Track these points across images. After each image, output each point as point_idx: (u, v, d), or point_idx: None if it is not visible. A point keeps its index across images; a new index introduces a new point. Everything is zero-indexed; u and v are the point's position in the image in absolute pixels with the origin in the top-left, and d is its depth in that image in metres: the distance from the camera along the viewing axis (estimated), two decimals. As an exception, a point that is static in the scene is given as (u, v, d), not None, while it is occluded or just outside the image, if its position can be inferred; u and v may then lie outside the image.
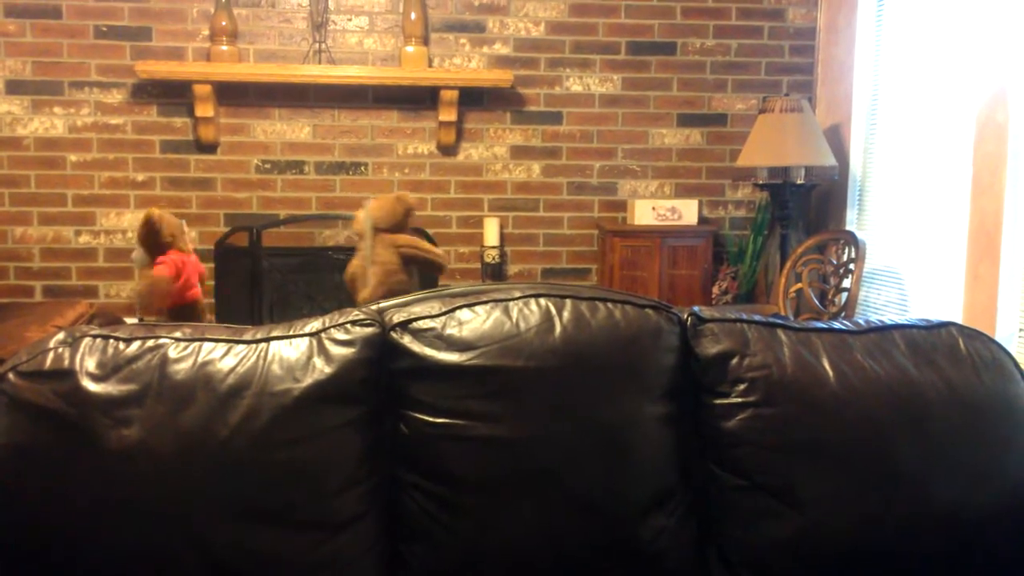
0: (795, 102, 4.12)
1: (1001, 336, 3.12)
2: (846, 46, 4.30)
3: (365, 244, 3.19)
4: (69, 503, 1.42)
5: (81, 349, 1.51)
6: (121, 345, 1.52)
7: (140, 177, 4.31)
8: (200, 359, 1.52)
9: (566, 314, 1.65)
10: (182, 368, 1.50)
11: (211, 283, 4.33)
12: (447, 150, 4.48)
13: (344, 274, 3.30)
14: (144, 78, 4.20)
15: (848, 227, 4.26)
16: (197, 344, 1.54)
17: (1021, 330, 3.15)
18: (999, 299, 3.17)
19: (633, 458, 1.60)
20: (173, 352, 1.52)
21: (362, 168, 4.44)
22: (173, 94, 4.27)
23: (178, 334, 1.56)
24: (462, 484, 1.55)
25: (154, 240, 3.28)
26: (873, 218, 4.13)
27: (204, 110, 4.22)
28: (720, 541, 1.63)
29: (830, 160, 4.10)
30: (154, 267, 3.26)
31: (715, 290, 4.40)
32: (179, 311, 3.31)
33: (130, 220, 4.27)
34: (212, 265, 4.32)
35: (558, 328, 1.63)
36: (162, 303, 3.26)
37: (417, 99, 4.40)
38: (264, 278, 4.20)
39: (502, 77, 4.35)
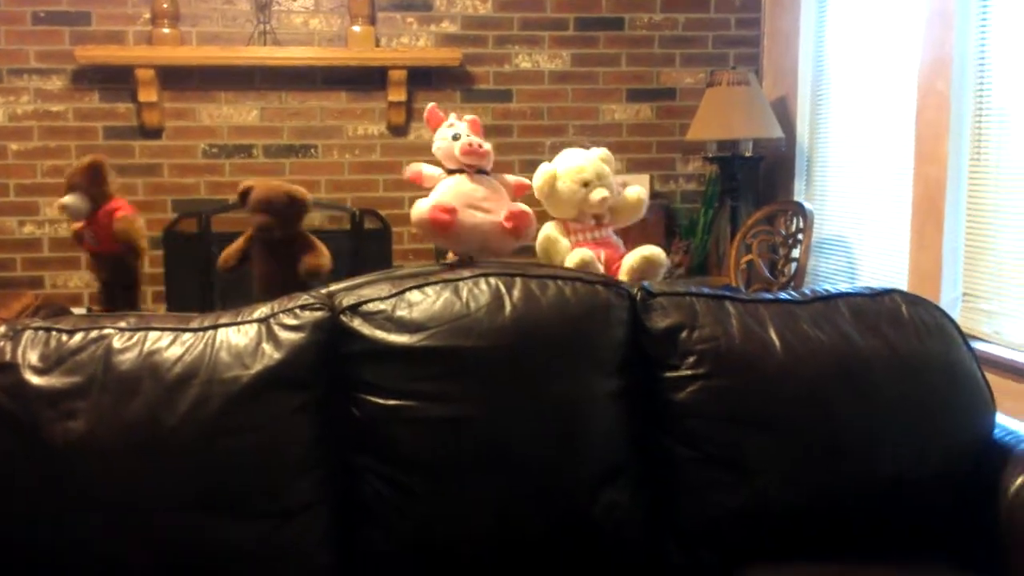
0: (742, 75, 4.15)
1: (945, 301, 3.19)
2: (791, 18, 4.33)
3: None
4: (15, 498, 1.40)
5: (23, 342, 1.48)
6: (64, 337, 1.50)
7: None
8: (146, 348, 1.50)
9: (516, 292, 1.66)
10: (127, 358, 1.48)
11: (160, 271, 4.28)
12: (397, 131, 4.44)
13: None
14: (84, 64, 4.10)
15: (796, 198, 4.31)
16: (142, 334, 1.52)
17: (964, 295, 3.22)
18: (943, 265, 3.23)
19: (585, 433, 1.62)
20: (117, 342, 1.50)
21: (312, 151, 4.39)
22: (115, 79, 4.18)
23: (123, 324, 1.54)
24: (415, 466, 1.55)
25: (99, 187, 3.17)
26: (821, 188, 4.19)
27: (147, 95, 4.14)
28: (673, 513, 1.65)
29: (777, 132, 4.14)
30: (107, 212, 3.16)
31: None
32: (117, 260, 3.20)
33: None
34: (161, 252, 4.26)
35: (508, 307, 1.63)
36: (144, 241, 3.16)
37: (365, 80, 4.36)
38: (214, 264, 4.14)
39: (450, 56, 4.32)
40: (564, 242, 2.34)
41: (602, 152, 2.45)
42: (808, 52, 4.26)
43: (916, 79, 3.38)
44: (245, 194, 2.85)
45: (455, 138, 2.29)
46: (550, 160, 2.57)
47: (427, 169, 2.38)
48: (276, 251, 2.85)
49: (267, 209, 2.81)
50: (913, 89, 3.41)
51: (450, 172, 2.26)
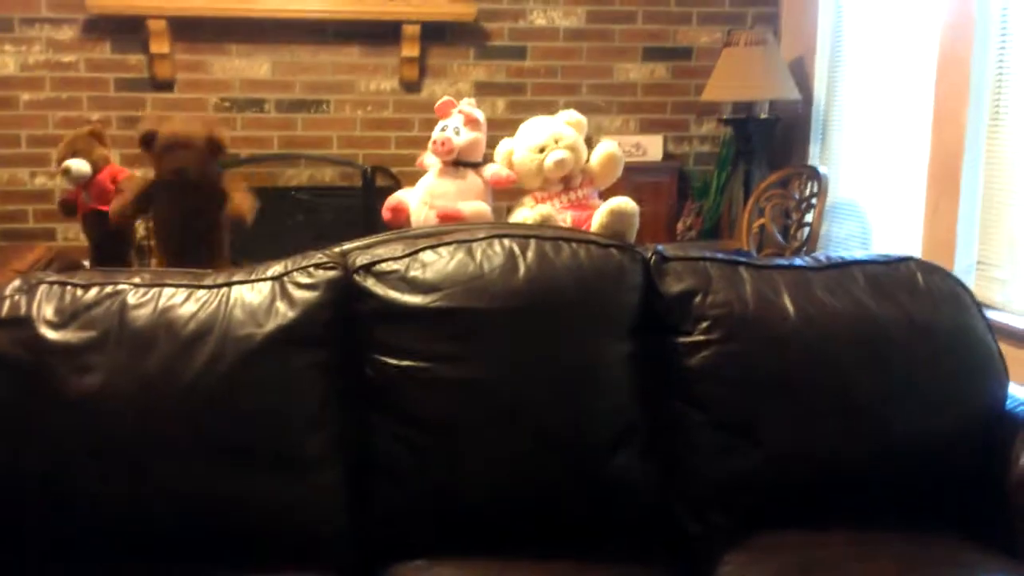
0: (759, 35, 4.09)
1: (959, 269, 3.17)
2: (811, -22, 4.26)
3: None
4: (31, 451, 1.42)
5: (38, 296, 1.49)
6: (79, 291, 1.50)
7: (95, 116, 4.19)
8: (160, 305, 1.51)
9: (530, 254, 1.65)
10: (142, 314, 1.49)
11: (172, 224, 4.27)
12: (410, 87, 4.40)
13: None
14: (96, 13, 4.06)
15: (811, 161, 4.27)
16: (157, 290, 1.53)
17: (979, 263, 3.20)
18: (958, 232, 3.21)
19: (597, 396, 1.62)
20: (132, 298, 1.50)
21: (324, 106, 4.36)
22: (126, 30, 4.15)
23: (137, 279, 1.54)
24: (428, 425, 1.56)
25: (101, 152, 3.22)
26: (836, 152, 4.15)
27: (159, 46, 4.11)
28: (685, 476, 1.66)
29: (794, 94, 4.10)
30: (107, 176, 3.20)
31: (679, 226, 4.41)
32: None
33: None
34: (173, 206, 4.25)
35: (522, 268, 1.63)
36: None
37: (379, 34, 4.31)
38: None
39: (465, 11, 4.27)
40: (522, 211, 2.39)
41: (567, 115, 2.46)
42: (827, 12, 4.20)
43: (936, 43, 3.33)
44: (150, 138, 2.75)
45: (443, 131, 2.43)
46: None
47: (428, 160, 2.50)
48: (185, 197, 2.75)
49: (184, 149, 2.69)
50: (933, 53, 3.36)
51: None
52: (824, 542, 1.56)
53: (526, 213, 2.36)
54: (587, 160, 2.46)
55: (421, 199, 2.48)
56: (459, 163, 2.48)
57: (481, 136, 2.51)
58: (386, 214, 2.54)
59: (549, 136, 2.41)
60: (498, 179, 2.47)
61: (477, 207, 2.42)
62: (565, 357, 1.61)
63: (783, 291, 1.72)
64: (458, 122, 2.48)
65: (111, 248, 3.27)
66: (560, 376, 1.60)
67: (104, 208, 3.23)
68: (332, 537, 1.53)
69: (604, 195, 2.46)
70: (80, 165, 3.19)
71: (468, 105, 2.52)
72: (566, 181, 2.43)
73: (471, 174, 2.48)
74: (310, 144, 4.34)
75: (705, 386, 1.66)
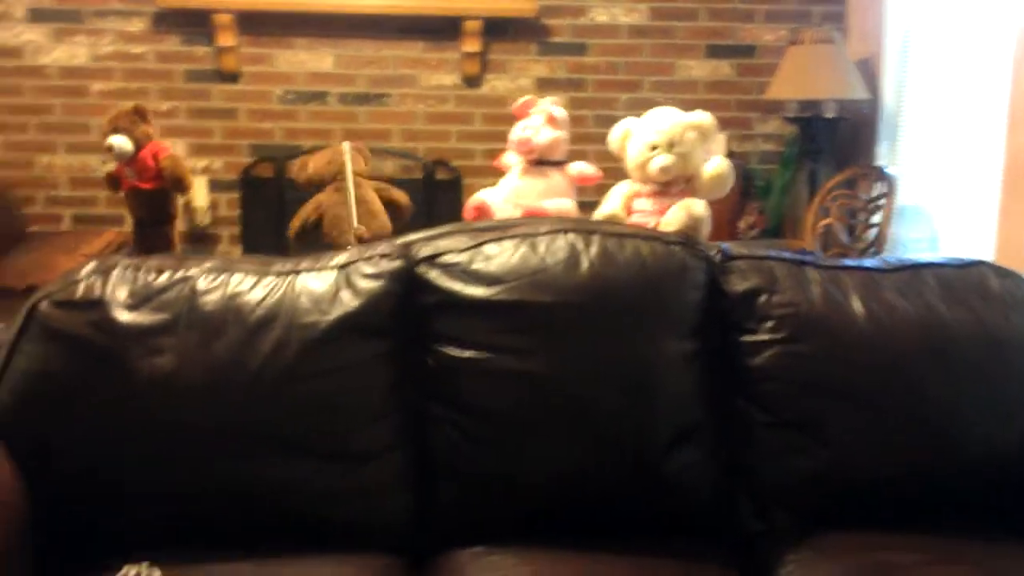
0: (826, 33, 4.02)
1: (1031, 274, 3.08)
2: (881, -25, 4.17)
3: (348, 182, 3.10)
4: (103, 430, 1.45)
5: (112, 279, 1.52)
6: (151, 275, 1.53)
7: (164, 106, 4.28)
8: (229, 290, 1.53)
9: (593, 250, 1.65)
10: (212, 299, 1.51)
11: (237, 213, 4.35)
12: (471, 82, 4.41)
13: (311, 208, 3.21)
14: (165, 6, 4.15)
15: (879, 162, 4.19)
16: (226, 276, 1.55)
17: (1052, 269, 3.11)
18: (1031, 237, 3.12)
19: (659, 393, 1.61)
20: (202, 283, 1.53)
21: (385, 99, 4.40)
22: (195, 23, 4.22)
23: (207, 265, 1.57)
24: (488, 417, 1.56)
25: (144, 130, 3.36)
26: (905, 153, 4.06)
27: (226, 39, 4.17)
28: (747, 476, 1.64)
29: (861, 93, 4.02)
30: (149, 154, 3.36)
31: (741, 225, 4.36)
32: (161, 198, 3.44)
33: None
34: (238, 195, 4.33)
35: (585, 264, 1.62)
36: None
37: (441, 29, 4.33)
38: (288, 209, 4.19)
39: (527, 7, 4.26)
40: (610, 202, 2.35)
41: (698, 115, 2.38)
42: (896, 10, 4.11)
43: (1012, 42, 3.24)
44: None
45: (523, 131, 2.44)
46: (624, 117, 2.55)
47: (508, 159, 2.50)
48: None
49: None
50: (1009, 51, 3.27)
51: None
52: (893, 545, 1.53)
53: (602, 208, 2.32)
54: (697, 170, 2.40)
55: (505, 199, 2.46)
56: (541, 162, 2.46)
57: (562, 134, 2.49)
58: (469, 214, 2.52)
59: (667, 139, 2.35)
60: (583, 177, 2.46)
61: (561, 205, 2.39)
62: (627, 353, 1.60)
63: (851, 292, 1.69)
64: (538, 121, 2.46)
65: (152, 224, 3.38)
66: (621, 372, 1.59)
67: (145, 186, 3.34)
68: (392, 524, 1.54)
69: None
70: (122, 142, 3.29)
71: (549, 104, 2.51)
72: (667, 184, 2.38)
73: (555, 172, 2.47)
74: (371, 137, 4.37)
75: (769, 385, 1.63)
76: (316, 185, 3.22)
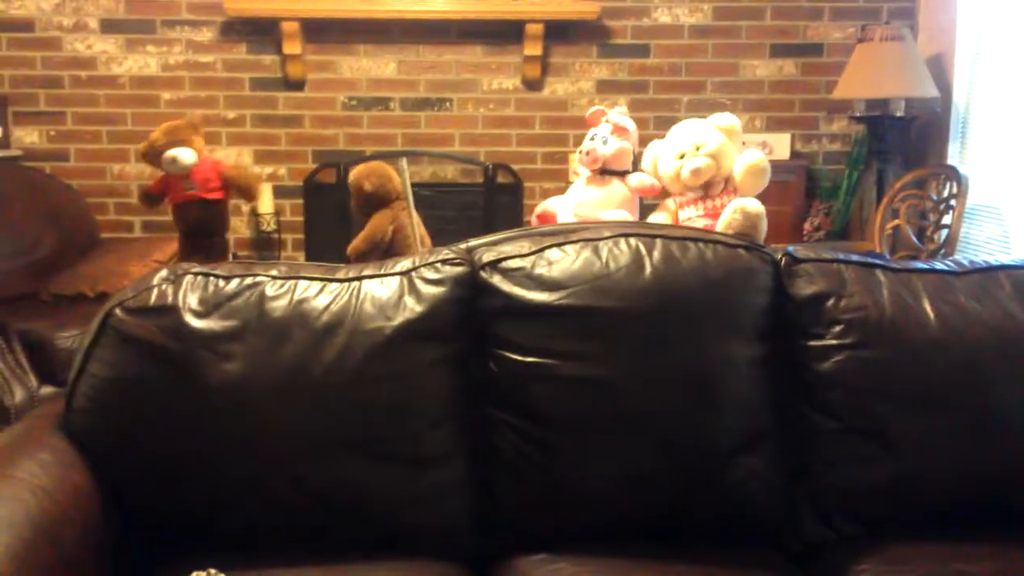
0: (895, 30, 3.94)
1: (1112, 276, 2.98)
2: (952, -30, 4.07)
3: (410, 207, 3.09)
4: (174, 435, 1.48)
5: (183, 286, 1.55)
6: (221, 282, 1.56)
7: (231, 115, 4.37)
8: (296, 297, 1.55)
9: (656, 254, 1.63)
10: (279, 305, 1.54)
11: (300, 219, 4.41)
12: (532, 85, 4.42)
13: (372, 233, 3.13)
14: (233, 16, 4.23)
15: (949, 161, 4.08)
16: (293, 282, 1.57)
17: None
18: (1111, 238, 3.02)
19: (723, 400, 1.59)
20: (270, 290, 1.56)
21: (447, 104, 4.42)
22: (261, 31, 4.30)
23: (274, 272, 1.60)
24: (551, 423, 1.56)
25: (201, 143, 3.45)
26: (976, 153, 3.95)
27: (292, 47, 4.24)
28: (812, 484, 1.61)
29: (932, 91, 3.92)
30: (212, 164, 3.45)
31: (807, 226, 4.29)
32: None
33: (222, 157, 4.34)
34: (301, 201, 4.39)
35: (648, 268, 1.61)
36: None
37: (502, 33, 4.34)
38: (351, 214, 4.24)
39: (588, 9, 4.25)
40: (656, 219, 2.38)
41: (719, 118, 2.40)
42: (968, 7, 4.01)
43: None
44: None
45: (591, 140, 2.49)
46: (684, 118, 2.57)
47: (580, 168, 2.54)
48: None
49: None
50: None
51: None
52: (964, 555, 1.49)
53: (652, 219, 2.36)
54: (731, 168, 2.40)
55: (569, 208, 2.50)
56: (606, 171, 2.48)
57: (628, 145, 2.50)
58: (534, 222, 2.58)
59: (692, 142, 2.37)
60: (643, 187, 2.47)
61: (616, 216, 2.41)
62: (691, 358, 1.59)
63: (923, 296, 1.65)
64: (606, 131, 2.48)
65: (207, 234, 3.44)
66: (686, 378, 1.58)
67: (206, 196, 3.41)
68: (456, 529, 1.55)
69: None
70: (186, 155, 3.37)
71: (617, 114, 2.53)
72: (706, 188, 2.39)
73: (616, 182, 2.48)
74: (433, 141, 4.41)
75: (837, 392, 1.60)
76: (373, 205, 3.16)
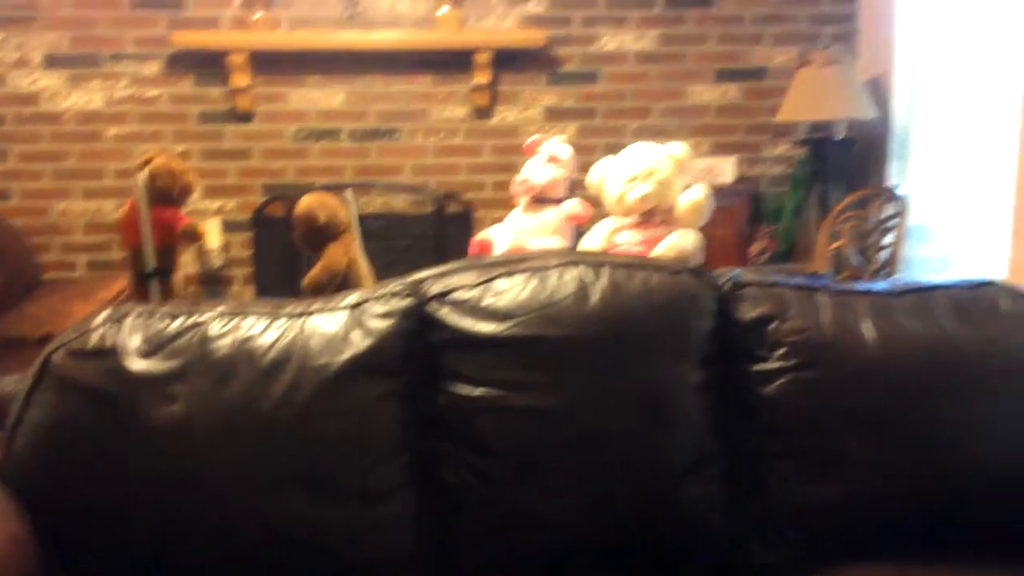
0: (835, 54, 4.04)
1: (1048, 291, 3.06)
2: (887, -5, 4.19)
3: (357, 236, 3.09)
4: (118, 479, 1.46)
5: (125, 327, 1.54)
6: (164, 322, 1.55)
7: (179, 148, 4.34)
8: (240, 334, 1.54)
9: (602, 282, 1.65)
10: (223, 344, 1.52)
11: (249, 253, 4.38)
12: (481, 113, 4.45)
13: (330, 265, 3.08)
14: (179, 49, 4.21)
15: (890, 182, 4.18)
16: (238, 319, 1.56)
17: (1069, 284, 3.09)
18: (1046, 253, 3.10)
19: (672, 424, 1.60)
20: (214, 328, 1.54)
21: (396, 134, 4.44)
22: (209, 64, 4.29)
23: (218, 310, 1.58)
24: (501, 454, 1.56)
25: (177, 195, 3.48)
26: (915, 173, 4.05)
27: (240, 79, 4.23)
28: (761, 506, 1.63)
29: (871, 114, 4.02)
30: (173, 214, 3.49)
31: (753, 249, 4.36)
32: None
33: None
34: (251, 235, 4.36)
35: (595, 296, 1.63)
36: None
37: (451, 62, 4.37)
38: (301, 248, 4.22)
39: (535, 38, 4.30)
40: (591, 238, 2.44)
41: (673, 147, 2.45)
42: (906, 30, 4.12)
43: (1023, 60, 3.24)
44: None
45: (528, 169, 2.57)
46: (632, 143, 2.63)
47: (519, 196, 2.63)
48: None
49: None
50: (1019, 71, 3.27)
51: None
52: (915, 572, 1.51)
53: (583, 245, 2.40)
54: (675, 199, 2.45)
55: (505, 236, 2.59)
56: (541, 200, 2.54)
57: (562, 173, 2.56)
58: (473, 250, 2.63)
59: (643, 168, 2.41)
60: (575, 215, 2.54)
61: (549, 243, 2.47)
62: (638, 385, 1.60)
63: (862, 316, 1.68)
64: (541, 160, 2.55)
65: (159, 277, 3.47)
66: (633, 404, 1.59)
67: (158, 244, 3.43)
68: (412, 560, 1.54)
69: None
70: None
71: (552, 143, 2.58)
72: (647, 215, 2.44)
73: (550, 210, 2.55)
74: (383, 172, 4.41)
75: (781, 414, 1.63)
76: (321, 236, 3.12)
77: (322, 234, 3.10)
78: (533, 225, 2.54)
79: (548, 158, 2.56)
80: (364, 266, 3.09)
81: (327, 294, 2.99)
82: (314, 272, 3.06)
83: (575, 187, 2.74)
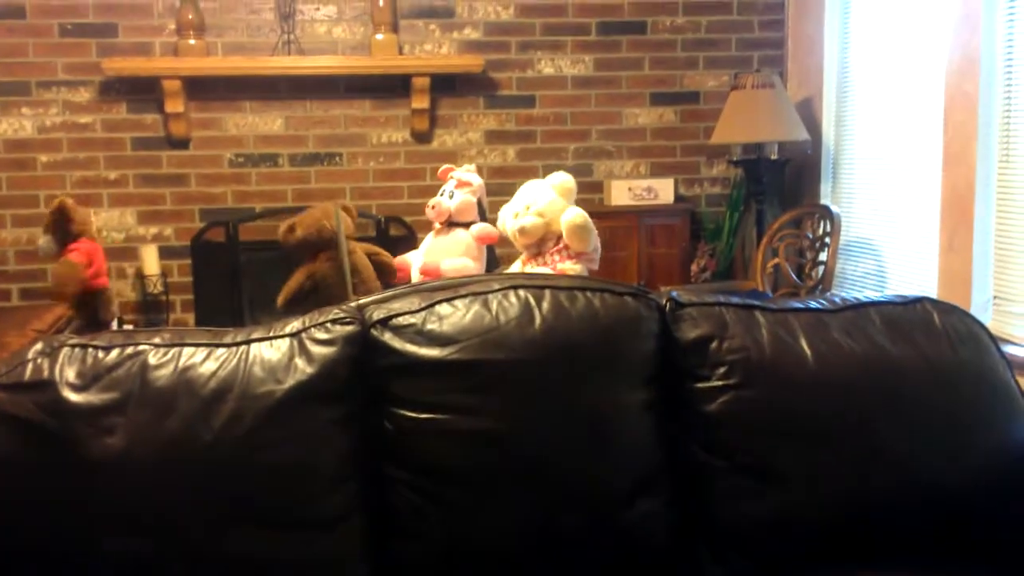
0: (766, 77, 4.13)
1: (976, 304, 3.16)
2: (815, 19, 4.31)
3: (342, 251, 3.08)
4: (55, 513, 1.42)
5: (60, 359, 1.50)
6: (100, 353, 1.51)
7: (112, 175, 4.27)
8: (181, 364, 1.51)
9: (545, 305, 1.66)
10: (163, 374, 1.50)
11: (189, 279, 4.32)
12: (421, 137, 4.46)
13: (303, 277, 3.05)
14: (112, 75, 4.15)
15: (823, 200, 4.28)
16: (177, 350, 1.54)
17: (995, 298, 3.19)
18: (973, 268, 3.20)
19: (616, 445, 1.61)
20: (153, 359, 1.51)
21: (337, 159, 4.42)
22: (142, 90, 4.23)
23: (157, 340, 1.56)
24: (447, 478, 1.56)
25: (65, 228, 3.39)
26: (848, 191, 4.16)
27: (174, 105, 4.18)
28: (706, 523, 1.64)
29: (803, 135, 4.12)
30: (66, 255, 3.38)
31: (694, 268, 4.42)
32: (88, 299, 3.42)
33: (105, 219, 4.23)
34: (189, 261, 4.30)
35: (538, 319, 1.64)
36: (75, 288, 3.34)
37: (389, 87, 4.38)
38: (242, 272, 4.18)
39: (473, 62, 4.33)
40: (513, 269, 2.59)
41: (555, 178, 2.58)
42: (833, 54, 4.24)
43: (943, 80, 3.36)
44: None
45: (440, 195, 2.69)
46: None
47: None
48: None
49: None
50: (940, 91, 3.39)
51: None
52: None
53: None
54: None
55: (419, 257, 2.73)
56: (453, 223, 2.66)
57: (471, 198, 2.70)
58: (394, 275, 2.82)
59: (523, 203, 2.54)
60: (483, 236, 2.67)
61: (458, 263, 2.61)
62: (583, 406, 1.61)
63: (800, 334, 1.72)
64: (451, 186, 2.69)
65: (89, 320, 3.40)
66: (578, 425, 1.60)
67: (82, 291, 3.34)
68: (355, 596, 1.52)
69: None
70: (45, 244, 3.40)
71: (461, 171, 2.72)
72: (540, 246, 2.56)
73: (460, 231, 2.69)
74: (324, 196, 4.38)
75: (724, 432, 1.65)
76: (306, 250, 3.09)
77: (317, 245, 3.07)
78: (446, 246, 2.67)
79: (458, 183, 2.69)
80: (348, 284, 3.07)
81: (306, 304, 2.98)
82: (299, 277, 3.03)
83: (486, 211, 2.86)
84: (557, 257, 2.53)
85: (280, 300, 3.03)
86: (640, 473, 1.62)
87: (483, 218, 2.77)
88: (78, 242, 3.40)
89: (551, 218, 2.50)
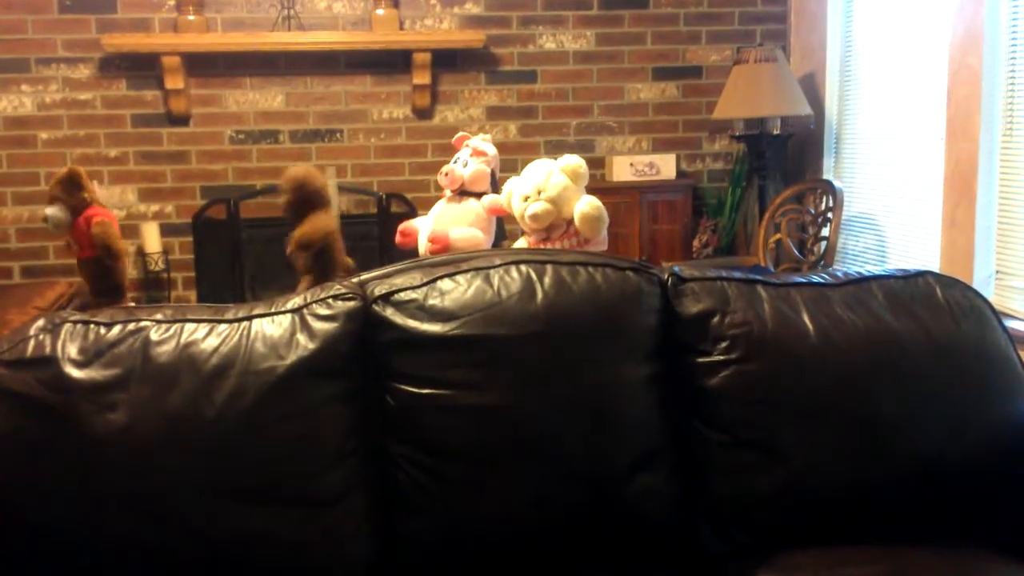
0: (769, 52, 4.11)
1: (978, 278, 3.16)
2: (819, -7, 4.27)
3: (336, 215, 3.08)
4: (58, 490, 1.42)
5: (62, 335, 1.50)
6: (102, 330, 1.51)
7: (113, 152, 4.26)
8: (183, 340, 1.52)
9: (547, 280, 1.66)
10: (165, 350, 1.50)
11: (190, 257, 4.32)
12: (422, 113, 4.44)
13: (321, 225, 3.04)
14: (111, 52, 4.13)
15: (825, 175, 4.27)
16: (179, 326, 1.54)
17: (997, 272, 3.18)
18: (976, 242, 3.20)
19: (618, 420, 1.62)
20: (155, 334, 1.52)
21: (337, 135, 4.40)
22: (142, 67, 4.21)
23: (159, 316, 1.56)
24: (449, 453, 1.56)
25: (77, 196, 3.33)
26: (850, 166, 4.15)
27: (174, 82, 4.16)
28: (707, 497, 1.65)
29: (805, 109, 4.10)
30: (87, 220, 3.29)
31: (695, 243, 4.41)
32: (106, 268, 3.41)
33: (106, 197, 4.22)
34: (191, 238, 4.30)
35: (540, 294, 1.63)
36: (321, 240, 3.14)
37: (390, 63, 4.35)
38: (243, 249, 4.18)
39: (474, 38, 4.31)
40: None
41: (566, 160, 2.53)
42: (836, 27, 4.21)
43: (947, 54, 3.33)
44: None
45: (454, 163, 2.65)
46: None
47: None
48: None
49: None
50: (944, 65, 3.36)
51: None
52: (855, 560, 1.55)
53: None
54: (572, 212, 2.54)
55: (428, 224, 2.66)
56: (464, 192, 2.60)
57: (486, 168, 2.65)
58: (398, 237, 2.71)
59: (534, 186, 2.51)
60: (494, 208, 2.63)
61: (467, 232, 2.57)
62: (584, 382, 1.61)
63: (802, 308, 1.72)
64: (466, 155, 2.63)
65: (104, 295, 3.36)
66: (579, 400, 1.60)
67: (85, 255, 3.30)
68: (362, 567, 1.53)
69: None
70: (56, 212, 3.30)
71: (477, 139, 2.66)
72: (549, 231, 2.54)
73: (472, 202, 2.64)
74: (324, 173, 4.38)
75: (725, 406, 1.65)
76: (315, 204, 3.07)
77: (309, 202, 3.07)
78: (456, 215, 2.63)
79: (473, 152, 2.64)
80: (341, 244, 3.08)
81: (310, 257, 2.96)
82: (305, 229, 3.01)
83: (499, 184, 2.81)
84: (566, 243, 2.51)
85: (292, 245, 3.00)
86: (641, 448, 1.62)
87: (495, 189, 2.72)
88: (92, 208, 3.38)
89: (562, 205, 2.48)
